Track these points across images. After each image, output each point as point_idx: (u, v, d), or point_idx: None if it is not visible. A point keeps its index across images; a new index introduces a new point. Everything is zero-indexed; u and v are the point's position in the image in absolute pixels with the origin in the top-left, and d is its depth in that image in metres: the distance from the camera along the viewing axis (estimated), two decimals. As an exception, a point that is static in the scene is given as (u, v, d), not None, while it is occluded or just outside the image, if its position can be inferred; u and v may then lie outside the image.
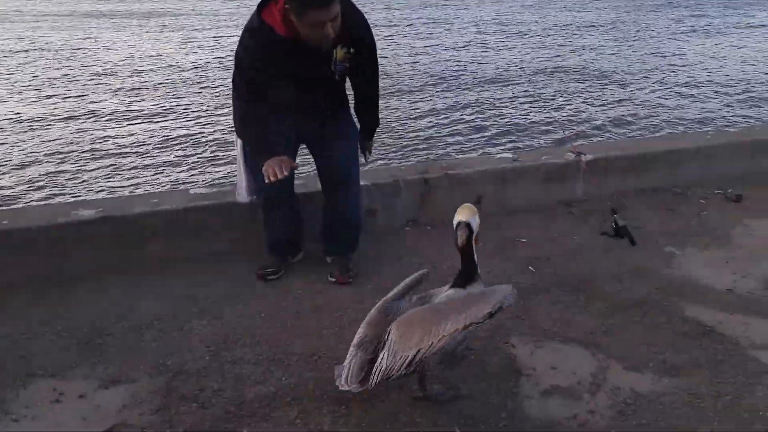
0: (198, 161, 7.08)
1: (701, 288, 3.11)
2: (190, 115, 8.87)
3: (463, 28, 18.00)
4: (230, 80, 2.88)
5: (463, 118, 8.23)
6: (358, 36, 2.78)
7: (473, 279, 2.26)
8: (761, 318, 2.83)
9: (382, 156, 6.75)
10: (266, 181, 2.71)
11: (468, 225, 2.21)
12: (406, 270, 3.25)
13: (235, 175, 3.27)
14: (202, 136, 7.90)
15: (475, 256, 2.26)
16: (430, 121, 8.17)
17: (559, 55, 12.93)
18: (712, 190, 4.27)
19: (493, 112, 8.58)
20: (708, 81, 10.43)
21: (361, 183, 3.59)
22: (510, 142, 7.36)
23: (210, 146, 7.52)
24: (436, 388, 2.33)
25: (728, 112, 8.70)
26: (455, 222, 2.22)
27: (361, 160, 3.30)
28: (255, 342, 2.67)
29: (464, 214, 2.22)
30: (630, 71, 11.04)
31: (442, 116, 8.35)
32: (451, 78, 10.60)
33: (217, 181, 6.30)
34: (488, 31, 17.20)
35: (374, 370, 2.07)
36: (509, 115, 8.42)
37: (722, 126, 7.69)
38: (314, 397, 2.34)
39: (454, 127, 7.88)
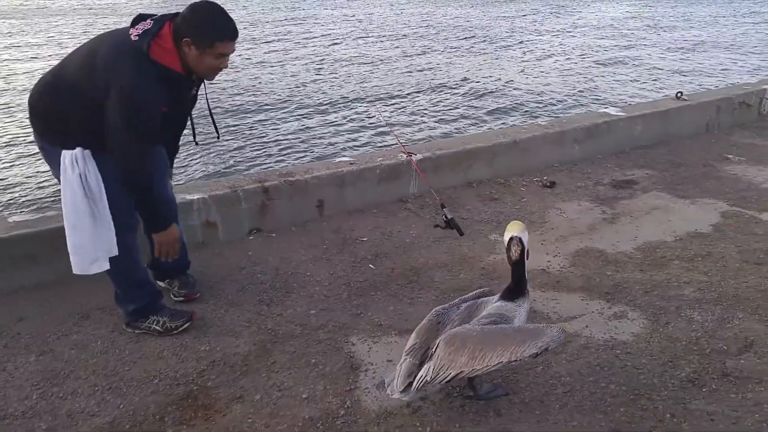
0: (22, 185, 6.56)
1: (520, 270, 3.44)
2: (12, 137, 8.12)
3: (308, 30, 18.05)
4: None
5: (301, 129, 8.34)
6: None
7: (522, 293, 2.34)
8: (567, 293, 3.21)
9: (220, 168, 6.68)
10: (168, 260, 2.70)
11: (520, 240, 2.28)
12: (250, 280, 3.32)
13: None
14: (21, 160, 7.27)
15: (526, 271, 2.34)
16: (267, 133, 8.18)
17: (397, 60, 13.33)
18: (530, 179, 4.71)
19: (329, 118, 8.76)
20: (528, 79, 11.32)
21: (197, 196, 3.59)
22: (348, 147, 7.57)
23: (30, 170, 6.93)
24: (485, 387, 2.42)
25: (542, 105, 9.53)
26: (506, 237, 2.31)
27: None
28: (90, 372, 2.60)
29: (515, 229, 2.30)
30: (459, 75, 11.65)
31: (280, 128, 8.39)
32: (288, 88, 10.61)
33: (40, 207, 5.86)
34: (336, 29, 17.38)
35: (418, 378, 2.16)
36: (347, 122, 8.64)
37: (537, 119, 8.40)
38: (155, 420, 2.33)
39: (293, 139, 7.96)
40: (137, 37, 2.44)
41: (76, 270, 2.63)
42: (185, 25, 2.45)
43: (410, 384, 2.17)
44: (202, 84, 2.79)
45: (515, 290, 2.33)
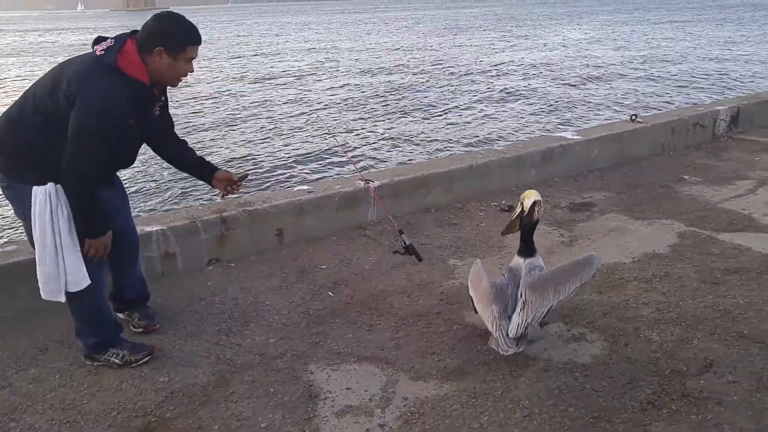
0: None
1: (479, 294, 3.46)
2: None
3: (278, 53, 18.13)
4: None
5: (259, 159, 8.35)
6: None
7: (535, 249, 2.89)
8: (526, 315, 3.23)
9: (179, 199, 6.63)
10: (95, 259, 2.63)
11: (541, 203, 2.80)
12: (209, 310, 3.30)
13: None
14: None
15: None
16: (225, 163, 8.16)
17: (357, 90, 13.45)
18: (488, 203, 4.78)
19: (287, 148, 8.79)
20: (488, 107, 11.55)
21: (156, 228, 3.56)
22: (306, 176, 7.60)
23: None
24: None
25: (501, 131, 9.71)
26: (529, 203, 2.80)
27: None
28: (48, 407, 2.56)
29: (534, 195, 2.82)
30: (419, 103, 11.81)
31: (238, 157, 8.39)
32: (246, 119, 10.64)
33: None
34: (298, 61, 17.49)
35: (517, 323, 2.68)
36: (305, 151, 8.67)
37: (494, 144, 8.55)
38: (110, 455, 2.29)
39: (251, 168, 7.95)
40: (103, 52, 2.48)
41: (44, 295, 2.62)
42: (153, 36, 2.53)
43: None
44: (167, 102, 2.84)
45: (531, 247, 2.88)
